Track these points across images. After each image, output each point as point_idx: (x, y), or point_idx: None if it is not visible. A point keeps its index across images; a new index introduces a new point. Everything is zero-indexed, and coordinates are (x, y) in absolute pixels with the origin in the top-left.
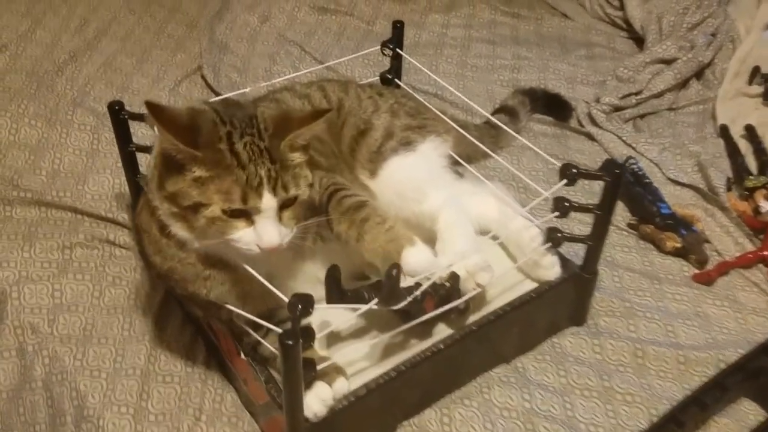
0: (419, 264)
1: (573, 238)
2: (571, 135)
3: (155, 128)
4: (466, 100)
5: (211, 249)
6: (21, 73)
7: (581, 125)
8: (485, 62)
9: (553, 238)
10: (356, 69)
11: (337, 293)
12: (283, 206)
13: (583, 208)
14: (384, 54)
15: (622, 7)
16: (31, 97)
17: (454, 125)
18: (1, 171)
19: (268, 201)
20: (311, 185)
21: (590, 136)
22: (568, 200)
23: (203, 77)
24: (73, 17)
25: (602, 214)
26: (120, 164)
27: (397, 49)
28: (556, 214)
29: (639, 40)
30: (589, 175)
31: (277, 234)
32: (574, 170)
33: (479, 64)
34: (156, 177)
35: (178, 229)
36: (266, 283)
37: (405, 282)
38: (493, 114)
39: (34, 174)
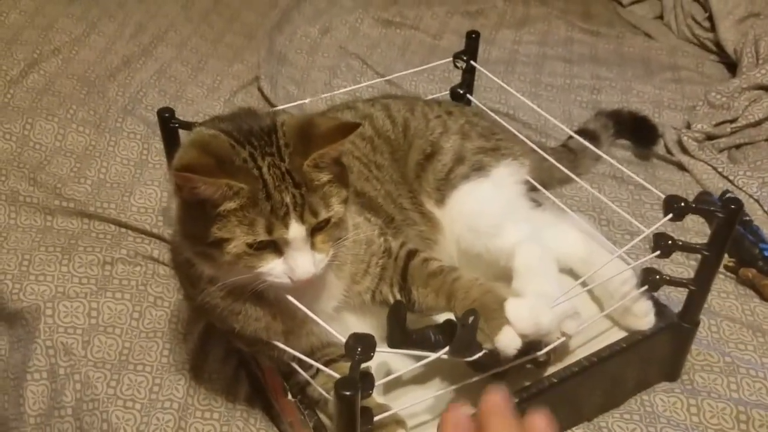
0: (523, 315)
1: (675, 282)
2: (659, 164)
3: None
4: (548, 117)
5: (242, 283)
6: (72, 78)
7: (670, 153)
8: (561, 81)
9: (651, 281)
10: (420, 85)
11: (400, 334)
12: (314, 231)
13: (689, 248)
14: (456, 66)
15: (712, 29)
16: (81, 103)
17: (533, 146)
18: (45, 178)
19: (296, 230)
20: (346, 201)
21: (680, 166)
22: (671, 238)
23: (260, 89)
24: (129, 23)
25: (711, 256)
26: (168, 177)
27: (471, 62)
28: (657, 253)
29: (730, 65)
30: (701, 210)
31: (310, 263)
32: (682, 203)
33: (555, 83)
34: (176, 214)
35: (204, 267)
36: (314, 317)
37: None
38: (571, 137)
39: (78, 183)
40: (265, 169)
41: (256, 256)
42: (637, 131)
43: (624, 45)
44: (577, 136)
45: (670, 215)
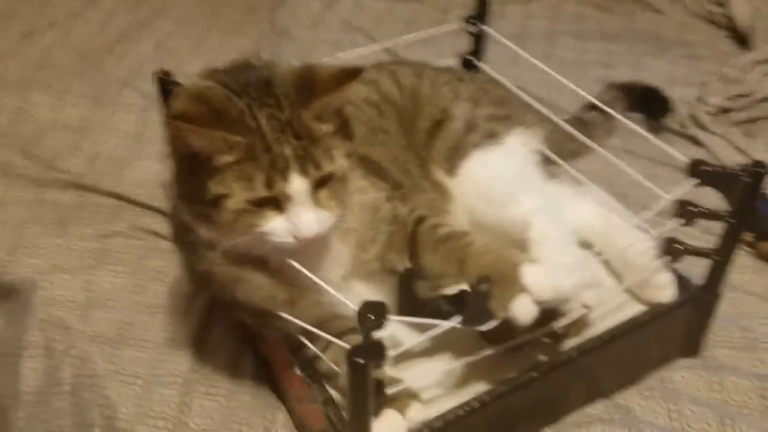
0: (539, 280)
1: (697, 251)
2: (673, 138)
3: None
4: (566, 82)
5: (243, 247)
6: (69, 51)
7: (683, 127)
8: (573, 56)
9: (673, 250)
10: (427, 57)
11: (411, 304)
12: (317, 186)
13: (713, 215)
14: (467, 31)
15: (723, 4)
16: (78, 76)
17: (547, 112)
18: (39, 152)
19: (298, 184)
20: (350, 156)
21: (695, 140)
22: (695, 204)
23: None
24: None
25: (735, 223)
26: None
27: (483, 27)
28: (681, 220)
29: (741, 41)
30: (726, 175)
31: (314, 220)
32: (708, 168)
33: (567, 57)
34: (172, 173)
35: (203, 230)
36: (320, 281)
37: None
38: (583, 110)
39: (73, 156)
40: (263, 121)
41: (256, 213)
42: (649, 103)
43: (635, 21)
44: (595, 101)
45: (697, 180)
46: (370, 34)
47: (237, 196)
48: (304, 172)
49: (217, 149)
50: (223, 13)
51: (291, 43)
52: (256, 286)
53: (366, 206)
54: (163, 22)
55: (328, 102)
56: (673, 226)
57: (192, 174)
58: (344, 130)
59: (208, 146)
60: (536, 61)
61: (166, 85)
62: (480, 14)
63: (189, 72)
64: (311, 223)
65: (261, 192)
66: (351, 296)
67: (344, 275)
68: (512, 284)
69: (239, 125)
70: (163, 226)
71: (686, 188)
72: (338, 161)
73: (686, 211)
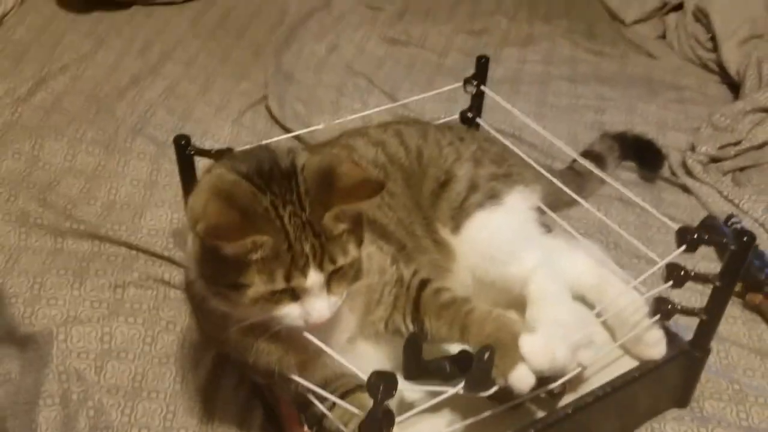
0: (537, 351)
1: (686, 311)
2: (664, 186)
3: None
4: (554, 140)
5: (256, 323)
6: (81, 96)
7: (674, 175)
8: (567, 101)
9: (663, 310)
10: (426, 105)
11: (416, 367)
12: (330, 275)
13: (701, 278)
14: (466, 91)
15: (715, 50)
16: (90, 122)
17: (542, 171)
18: (55, 199)
19: (315, 278)
20: (361, 243)
21: (685, 188)
22: (684, 268)
23: (268, 108)
24: (137, 39)
25: (722, 286)
26: (179, 198)
27: (481, 87)
28: (670, 283)
29: (732, 86)
30: (713, 242)
31: (326, 307)
32: (695, 235)
33: (560, 103)
34: (195, 253)
35: (218, 305)
36: (330, 351)
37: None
38: (574, 161)
39: (88, 204)
40: (286, 219)
41: (273, 300)
42: (643, 154)
43: (628, 64)
44: (582, 160)
45: (683, 247)
46: (371, 78)
47: (258, 287)
48: (320, 267)
49: (245, 251)
50: (230, 56)
51: (296, 86)
52: (267, 352)
53: (372, 271)
54: (172, 65)
55: (348, 210)
56: (663, 288)
57: (216, 262)
58: (358, 224)
59: (239, 251)
60: (530, 122)
61: (183, 150)
62: (479, 76)
63: (198, 116)
64: (323, 311)
65: (280, 285)
66: (356, 357)
67: (350, 337)
68: (512, 354)
69: (265, 224)
70: (174, 274)
71: (675, 254)
72: (351, 253)
73: (676, 276)
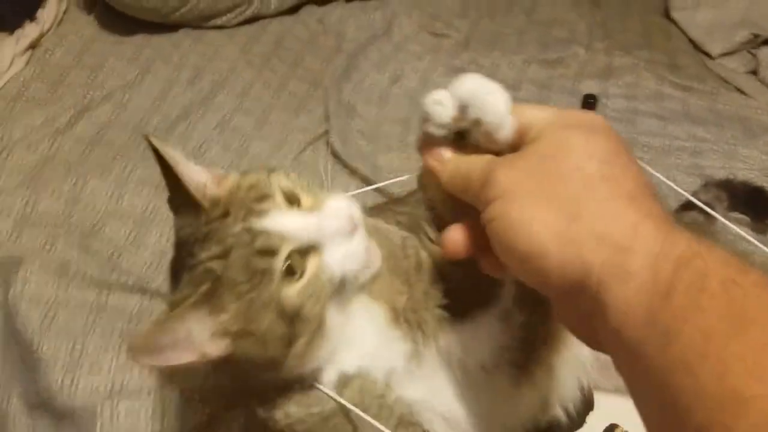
0: None
1: None
2: None
3: None
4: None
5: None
6: (126, 128)
7: None
8: (659, 142)
9: None
10: None
11: None
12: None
13: None
14: None
15: None
16: (138, 158)
17: None
18: (98, 246)
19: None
20: None
21: None
22: None
23: (330, 144)
24: (186, 66)
25: None
26: None
27: None
28: None
29: None
30: None
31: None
32: None
33: (652, 143)
34: None
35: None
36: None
37: None
38: (682, 210)
39: (136, 252)
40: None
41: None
42: (754, 204)
43: (718, 102)
44: (699, 203)
45: None
46: None
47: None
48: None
49: None
50: (287, 86)
51: (358, 120)
52: None
53: None
54: (224, 97)
55: None
56: None
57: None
58: None
59: None
60: (644, 165)
61: None
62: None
63: (255, 152)
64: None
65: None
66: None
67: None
68: None
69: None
70: None
71: None
72: None
73: None
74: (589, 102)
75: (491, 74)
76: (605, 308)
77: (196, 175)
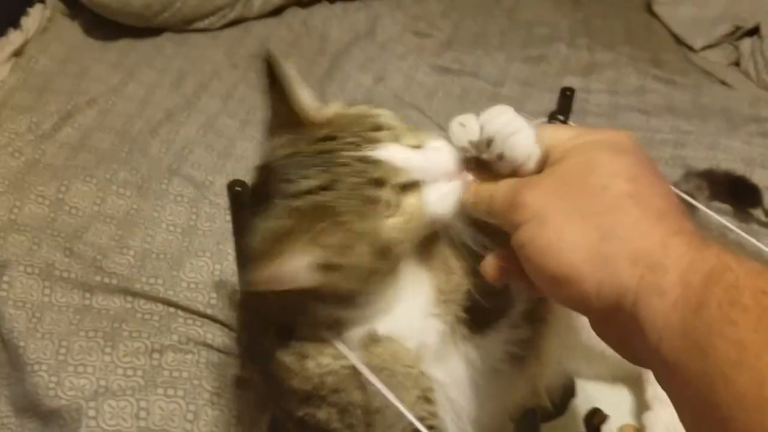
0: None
1: None
2: (761, 230)
3: None
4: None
5: None
6: (110, 132)
7: None
8: (642, 135)
9: None
10: None
11: None
12: None
13: None
14: None
15: None
16: (122, 162)
17: None
18: (83, 248)
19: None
20: None
21: None
22: None
23: None
24: (170, 70)
25: None
26: (222, 247)
27: (569, 122)
28: None
29: None
30: None
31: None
32: None
33: (635, 136)
34: None
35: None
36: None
37: None
38: None
39: (120, 254)
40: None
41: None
42: (737, 192)
43: (701, 94)
44: (680, 193)
45: None
46: (422, 109)
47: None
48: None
49: None
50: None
51: None
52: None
53: None
54: (209, 99)
55: None
56: None
57: None
58: None
59: None
60: None
61: (239, 197)
62: (564, 110)
63: (239, 153)
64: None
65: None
66: None
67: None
68: None
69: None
70: (217, 335)
71: None
72: None
73: None
74: (566, 95)
75: (474, 72)
76: (643, 326)
77: (308, 97)
